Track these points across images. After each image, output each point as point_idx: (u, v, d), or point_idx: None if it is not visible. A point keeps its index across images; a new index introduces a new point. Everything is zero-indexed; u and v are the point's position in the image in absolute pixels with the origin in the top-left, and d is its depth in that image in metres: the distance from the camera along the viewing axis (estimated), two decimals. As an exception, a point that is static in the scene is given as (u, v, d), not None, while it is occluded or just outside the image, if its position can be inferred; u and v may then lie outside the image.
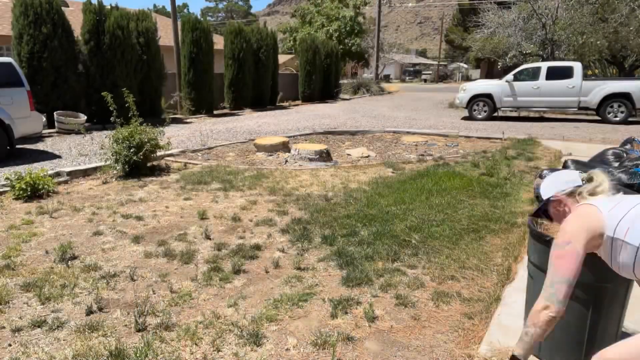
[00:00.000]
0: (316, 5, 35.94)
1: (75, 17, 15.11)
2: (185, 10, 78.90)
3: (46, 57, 11.26)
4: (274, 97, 19.91)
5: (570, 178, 1.87)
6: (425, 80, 53.78)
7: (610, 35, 16.03)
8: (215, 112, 16.55)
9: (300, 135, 11.07)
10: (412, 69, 60.55)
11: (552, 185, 1.89)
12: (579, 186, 1.82)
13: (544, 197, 1.90)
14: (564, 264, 1.63)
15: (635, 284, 2.34)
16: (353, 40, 34.29)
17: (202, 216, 4.87)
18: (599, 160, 5.56)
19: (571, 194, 1.83)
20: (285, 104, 20.95)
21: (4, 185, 5.85)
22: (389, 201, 5.27)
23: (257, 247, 4.02)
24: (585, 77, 14.10)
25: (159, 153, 7.49)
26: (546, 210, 1.91)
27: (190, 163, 7.75)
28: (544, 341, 2.38)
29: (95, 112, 12.37)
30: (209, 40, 15.78)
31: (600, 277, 2.16)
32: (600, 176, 1.82)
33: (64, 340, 2.65)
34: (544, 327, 1.68)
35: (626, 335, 2.01)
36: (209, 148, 9.27)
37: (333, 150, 8.92)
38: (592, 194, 1.78)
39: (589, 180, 1.83)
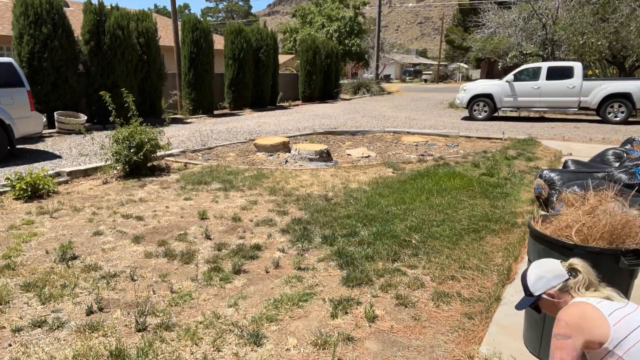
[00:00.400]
0: (316, 5, 35.96)
1: (75, 17, 15.12)
2: (186, 11, 78.96)
3: (46, 57, 11.27)
4: (274, 97, 19.91)
5: (556, 271, 1.88)
6: (425, 81, 53.77)
7: (610, 36, 16.01)
8: (215, 112, 16.55)
9: (301, 135, 11.07)
10: (412, 69, 60.53)
11: (539, 281, 1.89)
12: (568, 280, 1.84)
13: (534, 292, 1.90)
14: (563, 356, 1.68)
15: (635, 284, 2.34)
16: (353, 40, 34.30)
17: (202, 216, 4.87)
18: (599, 161, 5.57)
19: (563, 289, 1.84)
20: (286, 104, 20.95)
21: (4, 186, 5.85)
22: (389, 201, 5.27)
23: (258, 247, 4.02)
24: (586, 77, 14.09)
25: (159, 153, 7.49)
26: (536, 306, 1.94)
27: (190, 163, 7.75)
28: (545, 341, 2.39)
29: (96, 112, 12.38)
30: (209, 40, 15.78)
31: (600, 277, 2.16)
32: (583, 268, 1.85)
33: (64, 340, 2.65)
34: None
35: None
36: (209, 148, 9.27)
37: (333, 151, 8.92)
38: (587, 288, 1.81)
39: (572, 270, 1.86)
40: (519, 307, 1.95)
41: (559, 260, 1.93)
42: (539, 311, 1.97)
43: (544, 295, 1.87)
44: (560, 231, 2.33)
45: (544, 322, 2.37)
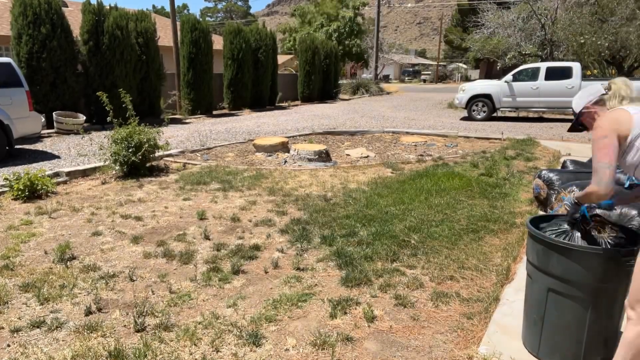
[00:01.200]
0: (316, 5, 35.97)
1: (74, 17, 15.11)
2: (185, 11, 78.89)
3: (45, 57, 11.25)
4: (273, 98, 19.91)
5: (594, 90, 2.16)
6: (424, 81, 53.78)
7: (609, 36, 16.04)
8: (214, 112, 16.55)
9: (300, 135, 11.07)
10: (411, 69, 60.50)
11: (581, 99, 2.19)
12: (604, 94, 2.11)
13: (576, 110, 2.21)
14: (604, 153, 1.97)
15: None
16: (352, 40, 34.32)
17: (201, 216, 4.87)
18: (598, 161, 5.56)
19: (599, 102, 2.13)
20: (285, 104, 20.94)
21: (2, 186, 5.84)
22: (388, 201, 5.27)
23: (257, 248, 4.02)
24: (584, 77, 14.10)
25: (158, 153, 7.49)
26: (580, 122, 2.20)
27: (189, 163, 7.75)
28: (544, 341, 2.39)
29: (95, 112, 12.37)
30: (208, 41, 15.78)
31: (599, 277, 2.17)
32: (617, 84, 2.10)
33: (62, 340, 2.65)
34: (593, 201, 2.13)
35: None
36: (208, 148, 9.27)
37: (332, 151, 8.92)
38: (620, 100, 2.07)
39: (609, 87, 2.12)
40: (569, 130, 2.29)
41: (600, 83, 2.18)
42: (586, 129, 2.25)
43: (583, 110, 2.18)
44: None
45: (542, 322, 2.38)
